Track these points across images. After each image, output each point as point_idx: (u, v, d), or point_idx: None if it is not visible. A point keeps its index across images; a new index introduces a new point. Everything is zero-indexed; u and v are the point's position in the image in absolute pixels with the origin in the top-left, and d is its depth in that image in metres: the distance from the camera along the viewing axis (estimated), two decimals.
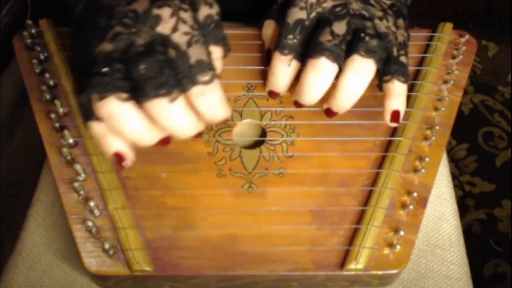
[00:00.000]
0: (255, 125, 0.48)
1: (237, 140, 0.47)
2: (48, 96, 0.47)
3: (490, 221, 1.16)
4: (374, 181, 0.45)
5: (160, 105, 0.34)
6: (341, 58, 0.41)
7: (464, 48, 0.53)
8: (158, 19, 0.35)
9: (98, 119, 0.35)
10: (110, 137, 0.36)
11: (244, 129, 0.48)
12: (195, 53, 0.36)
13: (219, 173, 0.45)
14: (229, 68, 0.50)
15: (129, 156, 0.37)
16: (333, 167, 0.45)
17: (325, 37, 0.41)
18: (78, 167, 0.43)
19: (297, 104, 0.44)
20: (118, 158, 0.37)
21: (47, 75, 0.48)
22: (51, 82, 0.48)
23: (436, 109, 0.49)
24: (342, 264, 0.41)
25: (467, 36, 0.54)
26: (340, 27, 0.42)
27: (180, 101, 0.35)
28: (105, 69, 0.34)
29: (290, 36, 0.43)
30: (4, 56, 0.63)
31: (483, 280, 1.08)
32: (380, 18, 0.43)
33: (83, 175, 0.44)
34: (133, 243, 0.41)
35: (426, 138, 0.47)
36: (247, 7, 0.61)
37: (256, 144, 0.47)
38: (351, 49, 0.41)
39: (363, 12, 0.43)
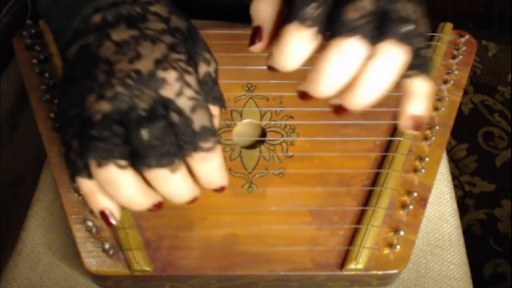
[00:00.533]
0: (255, 125, 0.48)
1: (237, 140, 0.47)
2: (48, 96, 0.47)
3: (490, 221, 1.16)
4: (374, 181, 0.45)
5: (161, 175, 0.33)
6: (373, 42, 0.33)
7: (464, 48, 0.53)
8: (163, 82, 0.33)
9: (88, 176, 0.33)
10: (98, 194, 0.34)
11: (244, 129, 0.48)
12: (199, 119, 0.34)
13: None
14: (229, 68, 0.50)
15: (117, 216, 0.35)
16: (333, 167, 0.45)
17: (354, 13, 0.33)
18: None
19: (305, 96, 0.36)
20: (105, 216, 0.34)
21: (47, 75, 0.48)
22: (51, 82, 0.48)
23: (436, 109, 0.49)
24: (342, 264, 0.41)
25: (467, 36, 0.54)
26: (367, 3, 0.34)
27: (181, 170, 0.33)
28: (105, 133, 0.32)
29: (314, 4, 0.34)
30: (4, 56, 0.63)
31: (483, 280, 1.08)
32: (403, 2, 0.35)
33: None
34: (133, 243, 0.41)
35: (426, 138, 0.47)
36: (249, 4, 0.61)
37: (256, 144, 0.47)
38: (382, 32, 0.34)
39: None
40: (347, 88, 0.34)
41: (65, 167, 0.44)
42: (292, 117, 0.48)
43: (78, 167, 0.33)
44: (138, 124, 0.32)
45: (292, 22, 0.34)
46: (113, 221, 0.35)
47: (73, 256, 0.44)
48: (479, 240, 1.13)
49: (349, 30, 0.33)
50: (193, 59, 0.36)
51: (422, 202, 0.44)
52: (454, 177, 1.20)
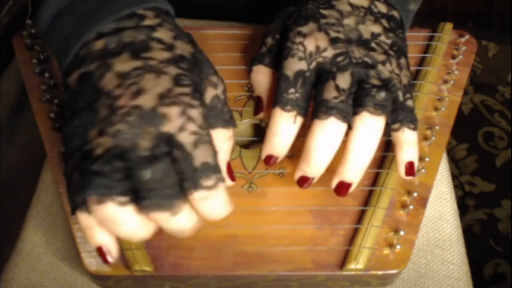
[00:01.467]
0: (255, 125, 0.48)
1: (237, 140, 0.47)
2: (48, 96, 0.47)
3: (490, 221, 1.16)
4: (374, 181, 0.45)
5: (161, 217, 0.32)
6: (350, 116, 0.38)
7: (464, 48, 0.53)
8: (165, 119, 0.32)
9: (87, 211, 0.32)
10: (97, 229, 0.33)
11: (244, 129, 0.48)
12: (201, 155, 0.33)
13: None
14: (229, 68, 0.50)
15: (114, 254, 0.34)
16: (333, 167, 0.45)
17: (330, 93, 0.38)
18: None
19: (303, 181, 0.40)
20: (102, 253, 0.34)
21: (47, 75, 0.48)
22: (51, 82, 0.48)
23: (436, 109, 0.49)
24: (342, 264, 0.41)
25: (467, 36, 0.54)
26: (344, 80, 0.39)
27: (183, 211, 0.33)
28: (106, 168, 0.31)
29: (292, 90, 0.39)
30: (4, 56, 0.63)
31: (483, 280, 1.08)
32: (383, 63, 0.40)
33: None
34: (133, 243, 0.41)
35: (426, 138, 0.47)
36: (247, 6, 0.61)
37: (256, 144, 0.47)
38: (358, 104, 0.38)
39: (366, 59, 0.40)
40: (340, 165, 0.39)
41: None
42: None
43: (77, 202, 0.32)
44: (139, 164, 0.31)
45: (276, 107, 0.40)
46: (109, 259, 0.34)
47: (73, 256, 0.44)
48: (479, 240, 1.14)
49: (325, 111, 0.38)
50: (199, 88, 0.35)
51: (422, 202, 0.44)
52: (454, 177, 1.20)
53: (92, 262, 0.40)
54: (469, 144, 1.28)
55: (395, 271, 0.41)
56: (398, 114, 0.40)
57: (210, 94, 0.37)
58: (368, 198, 0.44)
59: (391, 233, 0.42)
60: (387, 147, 0.46)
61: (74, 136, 0.34)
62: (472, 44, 0.54)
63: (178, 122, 0.33)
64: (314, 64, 0.40)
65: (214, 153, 0.34)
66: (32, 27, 0.51)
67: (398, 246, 0.41)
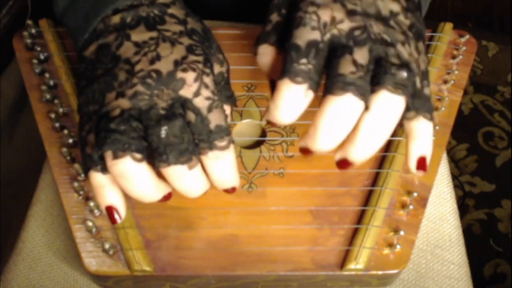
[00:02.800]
0: (255, 125, 0.48)
1: (237, 140, 0.47)
2: (48, 96, 0.47)
3: (490, 221, 1.16)
4: (374, 181, 0.45)
5: (178, 171, 0.34)
6: (368, 94, 0.34)
7: (464, 48, 0.53)
8: (181, 83, 0.35)
9: (102, 170, 0.34)
10: (108, 189, 0.35)
11: (244, 129, 0.48)
12: (215, 118, 0.35)
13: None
14: None
15: (122, 213, 0.36)
16: (333, 167, 0.45)
17: (347, 68, 0.34)
18: (78, 167, 0.43)
19: (307, 152, 0.36)
20: (111, 212, 0.35)
21: (47, 75, 0.48)
22: (51, 82, 0.48)
23: (436, 109, 0.49)
24: (342, 264, 0.41)
25: (467, 36, 0.54)
26: (362, 55, 0.34)
27: (197, 167, 0.35)
28: (123, 127, 0.33)
29: (304, 61, 0.34)
30: (4, 56, 0.63)
31: (483, 280, 1.08)
32: (402, 43, 0.36)
33: (83, 175, 0.44)
34: (133, 243, 0.41)
35: None
36: (247, 5, 0.61)
37: (256, 144, 0.47)
38: (377, 83, 0.34)
39: (385, 36, 0.36)
40: (348, 141, 0.35)
41: (66, 166, 0.44)
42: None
43: (93, 160, 0.34)
44: (157, 122, 0.33)
45: (284, 78, 0.34)
46: (117, 218, 0.36)
47: (73, 256, 0.44)
48: (479, 240, 1.14)
49: (342, 87, 0.33)
50: (209, 61, 0.37)
51: (422, 202, 0.44)
52: (454, 177, 1.20)
53: (92, 262, 0.40)
54: (469, 144, 1.28)
55: (395, 271, 0.41)
56: (414, 101, 0.36)
57: (216, 70, 0.39)
58: (368, 198, 0.44)
59: (391, 233, 0.42)
60: (387, 147, 0.47)
61: (91, 102, 0.36)
62: (472, 44, 0.54)
63: (194, 87, 0.35)
64: (328, 35, 0.35)
65: (226, 117, 0.36)
66: (32, 27, 0.51)
67: (398, 246, 0.41)
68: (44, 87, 0.48)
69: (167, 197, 0.37)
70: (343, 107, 0.33)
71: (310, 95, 0.35)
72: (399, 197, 0.44)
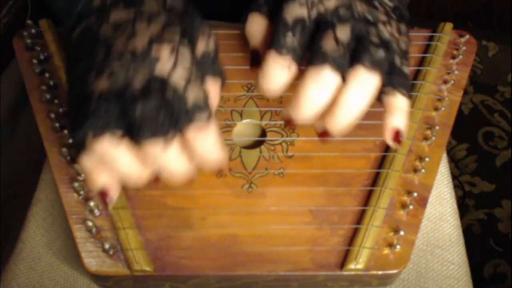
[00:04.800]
0: (255, 125, 0.48)
1: (237, 140, 0.47)
2: (48, 96, 0.47)
3: (490, 221, 1.16)
4: (374, 181, 0.45)
5: (156, 146, 0.34)
6: (345, 69, 0.37)
7: (464, 48, 0.53)
8: (156, 59, 0.35)
9: (87, 151, 0.35)
10: (99, 171, 0.35)
11: (244, 129, 0.48)
12: (193, 93, 0.35)
13: (219, 173, 0.45)
14: (229, 68, 0.50)
15: (114, 195, 0.36)
16: (333, 167, 0.45)
17: (329, 43, 0.37)
18: (78, 167, 0.43)
19: (290, 122, 0.39)
20: (103, 193, 0.36)
21: (47, 75, 0.48)
22: (51, 82, 0.48)
23: (436, 109, 0.49)
24: (342, 264, 0.41)
25: (467, 36, 0.54)
26: (344, 32, 0.38)
27: (175, 143, 0.35)
28: (102, 108, 0.34)
29: (289, 34, 0.38)
30: (4, 56, 0.63)
31: (483, 280, 1.08)
32: (384, 23, 0.39)
33: (83, 175, 0.44)
34: (133, 243, 0.41)
35: (426, 138, 0.47)
36: (247, 5, 0.61)
37: (256, 144, 0.47)
38: (355, 59, 0.37)
39: (368, 16, 0.39)
40: (327, 112, 0.38)
41: (66, 166, 0.44)
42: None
43: (78, 142, 0.35)
44: (133, 100, 0.33)
45: (272, 49, 0.38)
46: (109, 200, 0.36)
47: (73, 256, 0.44)
48: (479, 240, 1.13)
49: (323, 59, 0.37)
50: (190, 35, 0.37)
51: (422, 202, 0.44)
52: (454, 177, 1.20)
53: (92, 262, 0.40)
54: (469, 144, 1.28)
55: (395, 271, 0.41)
56: (392, 78, 0.39)
57: (201, 45, 0.38)
58: (368, 198, 0.44)
59: (391, 233, 0.42)
60: (387, 147, 0.47)
61: (76, 84, 0.37)
62: (472, 44, 0.54)
63: (170, 62, 0.35)
64: (314, 12, 0.39)
65: (204, 91, 0.36)
66: (32, 27, 0.51)
67: (398, 246, 0.41)
68: (44, 87, 0.48)
69: (156, 180, 0.37)
70: (321, 78, 0.37)
71: (293, 67, 0.38)
72: (399, 197, 0.44)
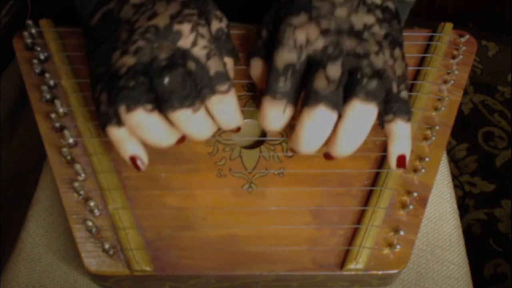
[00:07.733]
0: (255, 125, 0.48)
1: (237, 140, 0.47)
2: (48, 96, 0.47)
3: (490, 221, 1.16)
4: (374, 181, 0.45)
5: (184, 115, 0.37)
6: (340, 104, 0.38)
7: (464, 48, 0.53)
8: (179, 35, 0.38)
9: (117, 124, 0.38)
10: (127, 141, 0.38)
11: (244, 129, 0.48)
12: (214, 65, 0.38)
13: (219, 173, 0.45)
14: None
15: (144, 160, 0.40)
16: (333, 167, 0.45)
17: (320, 83, 0.38)
18: (78, 167, 0.43)
19: (293, 151, 0.42)
20: (134, 161, 0.39)
21: (47, 75, 0.48)
22: (51, 82, 0.48)
23: (436, 109, 0.49)
24: (342, 264, 0.41)
25: (467, 36, 0.54)
26: (334, 70, 0.38)
27: (202, 110, 0.38)
28: (131, 83, 0.36)
29: (282, 79, 0.40)
30: (4, 56, 0.63)
31: (483, 280, 1.08)
32: (376, 53, 0.40)
33: (83, 175, 0.44)
34: (133, 243, 0.41)
35: (426, 138, 0.47)
36: (247, 5, 0.61)
37: (256, 144, 0.47)
38: (350, 93, 0.38)
39: (358, 49, 0.39)
40: (329, 141, 0.39)
41: (66, 166, 0.44)
42: (292, 117, 0.48)
43: (108, 116, 0.37)
44: (160, 72, 0.36)
45: (267, 95, 0.40)
46: (141, 165, 0.39)
47: (73, 256, 0.44)
48: (479, 240, 1.13)
49: (317, 99, 0.38)
50: (205, 15, 0.41)
51: (422, 202, 0.44)
52: (454, 177, 1.20)
53: (92, 262, 0.40)
54: (469, 144, 1.28)
55: (395, 271, 0.41)
56: (391, 106, 0.40)
57: (215, 26, 0.42)
58: (368, 198, 0.44)
59: (391, 233, 0.42)
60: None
61: (100, 64, 0.40)
62: (472, 44, 0.54)
63: (191, 38, 0.38)
64: (304, 56, 0.40)
65: (224, 63, 0.40)
66: (32, 27, 0.51)
67: (398, 246, 0.41)
68: (44, 87, 0.48)
69: (180, 140, 0.40)
70: (316, 117, 0.38)
71: (289, 109, 0.40)
72: (399, 197, 0.44)
